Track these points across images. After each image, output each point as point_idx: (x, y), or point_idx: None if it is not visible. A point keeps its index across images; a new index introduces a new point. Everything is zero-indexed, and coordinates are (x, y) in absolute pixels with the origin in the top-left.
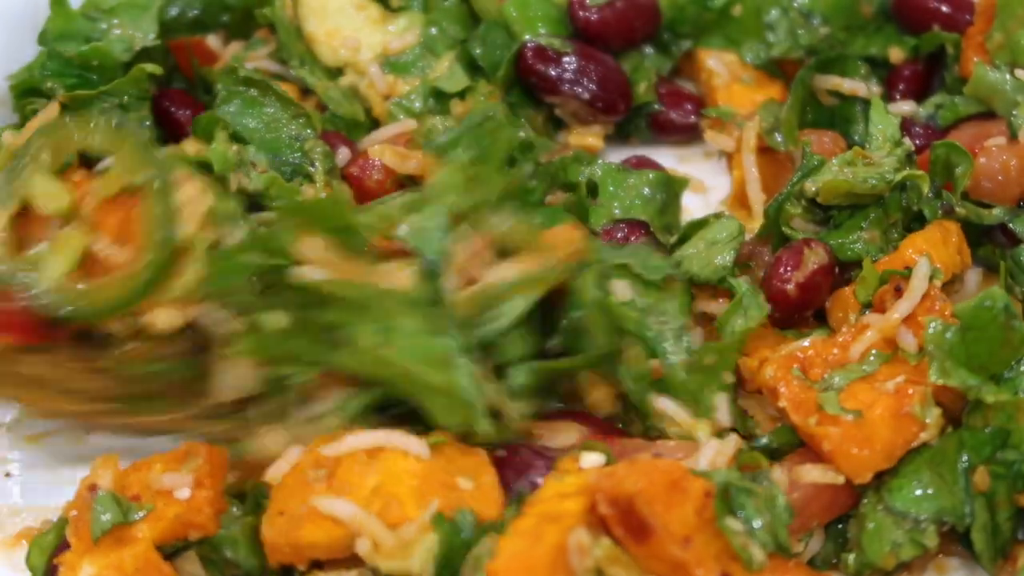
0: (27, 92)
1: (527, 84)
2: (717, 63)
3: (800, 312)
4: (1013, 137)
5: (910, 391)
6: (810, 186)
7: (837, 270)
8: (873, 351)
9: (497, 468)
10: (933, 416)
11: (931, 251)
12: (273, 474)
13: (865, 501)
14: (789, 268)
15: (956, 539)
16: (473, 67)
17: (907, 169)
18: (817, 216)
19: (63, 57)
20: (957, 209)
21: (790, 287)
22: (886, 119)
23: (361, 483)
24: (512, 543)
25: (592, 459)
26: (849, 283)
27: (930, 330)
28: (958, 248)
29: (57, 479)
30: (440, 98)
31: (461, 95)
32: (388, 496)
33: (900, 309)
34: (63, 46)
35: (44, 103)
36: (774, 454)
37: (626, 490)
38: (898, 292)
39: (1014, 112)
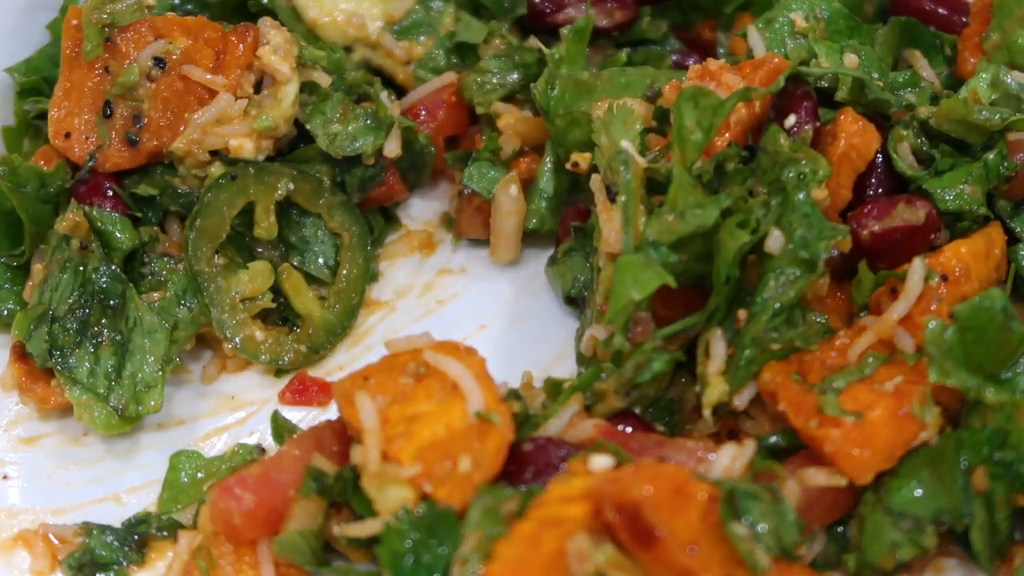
0: (29, 92)
1: (539, 16)
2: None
3: (872, 261)
4: None
5: (909, 391)
6: (924, 111)
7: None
8: (871, 353)
9: (522, 462)
10: (933, 415)
11: (972, 263)
12: (392, 344)
13: (865, 502)
14: (873, 214)
15: (954, 539)
16: (475, 9)
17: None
18: (923, 148)
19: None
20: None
21: (864, 232)
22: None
23: (422, 401)
24: (510, 548)
25: (600, 461)
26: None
27: (929, 329)
28: (997, 264)
29: (54, 482)
30: (464, 51)
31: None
32: (409, 431)
33: (897, 310)
34: None
35: (44, 103)
36: (779, 454)
37: (632, 496)
38: (894, 294)
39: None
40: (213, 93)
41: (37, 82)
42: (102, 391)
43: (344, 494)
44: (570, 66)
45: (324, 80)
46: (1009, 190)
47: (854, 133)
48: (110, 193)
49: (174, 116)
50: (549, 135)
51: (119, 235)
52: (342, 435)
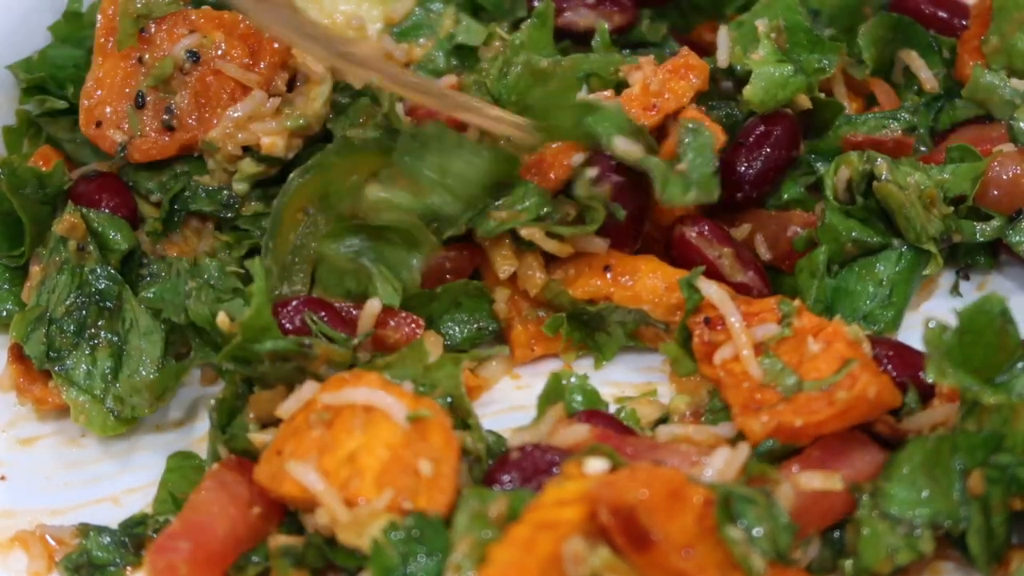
0: (33, 90)
1: None
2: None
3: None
4: (1014, 142)
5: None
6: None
7: None
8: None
9: (508, 469)
10: None
11: None
12: (285, 408)
13: (861, 507)
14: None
15: (950, 543)
16: (475, 11)
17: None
18: None
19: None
20: (954, 236)
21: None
22: None
23: (347, 440)
24: (505, 552)
25: (596, 465)
26: None
27: (928, 329)
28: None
29: (51, 483)
30: (463, 53)
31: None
32: (356, 469)
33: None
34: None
35: (51, 101)
36: (775, 458)
37: (627, 500)
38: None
39: (1013, 116)
40: (245, 89)
41: (41, 80)
42: (98, 393)
43: (322, 558)
44: (531, 52)
45: (357, 81)
46: (998, 202)
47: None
48: (110, 194)
49: (206, 110)
50: None
51: (116, 237)
52: (238, 467)
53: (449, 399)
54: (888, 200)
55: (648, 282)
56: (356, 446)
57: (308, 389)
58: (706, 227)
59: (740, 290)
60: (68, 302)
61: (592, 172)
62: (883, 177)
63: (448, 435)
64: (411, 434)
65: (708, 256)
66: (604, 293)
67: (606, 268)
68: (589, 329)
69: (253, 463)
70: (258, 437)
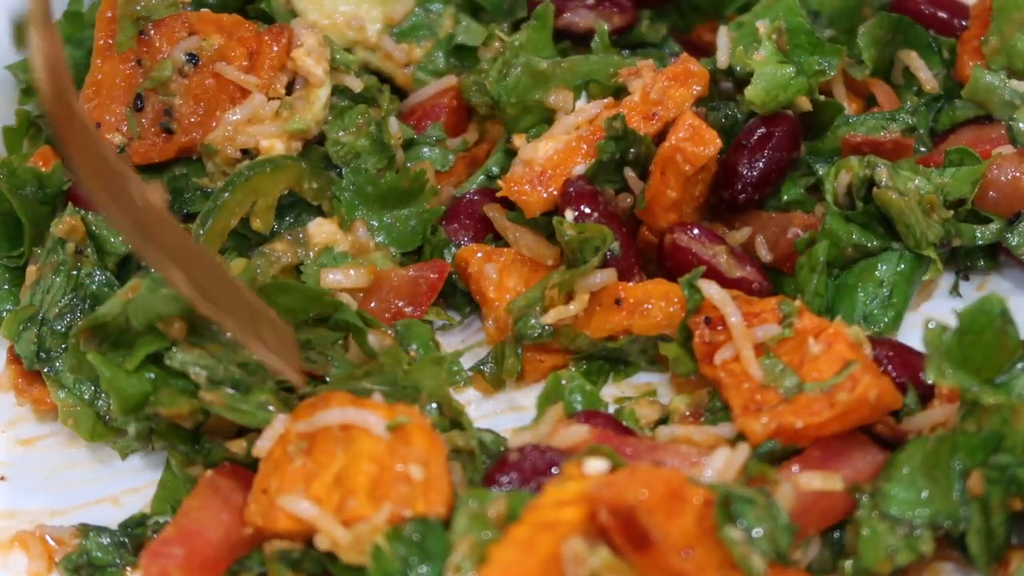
0: (33, 90)
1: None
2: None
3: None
4: (1013, 143)
5: None
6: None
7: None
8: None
9: (506, 470)
10: None
11: None
12: (260, 447)
13: (861, 507)
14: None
15: (950, 543)
16: (475, 12)
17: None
18: None
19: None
20: (954, 241)
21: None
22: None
23: (330, 464)
24: (505, 552)
25: (596, 465)
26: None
27: (928, 330)
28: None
29: (51, 483)
30: (463, 53)
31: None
32: (347, 490)
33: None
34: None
35: None
36: (774, 459)
37: (626, 500)
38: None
39: (1013, 117)
40: (245, 92)
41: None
42: (87, 397)
43: (320, 565)
44: (530, 53)
45: (356, 85)
46: (996, 204)
47: (684, 138)
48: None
49: (205, 113)
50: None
51: (113, 240)
52: (231, 474)
53: (435, 404)
54: (888, 207)
55: (663, 305)
56: (340, 467)
57: (279, 423)
58: (696, 230)
59: (740, 285)
60: (62, 304)
61: (571, 214)
62: (883, 183)
63: (430, 435)
64: (393, 443)
65: (703, 256)
66: (623, 326)
67: (617, 301)
68: (607, 363)
69: (245, 469)
70: (235, 443)
